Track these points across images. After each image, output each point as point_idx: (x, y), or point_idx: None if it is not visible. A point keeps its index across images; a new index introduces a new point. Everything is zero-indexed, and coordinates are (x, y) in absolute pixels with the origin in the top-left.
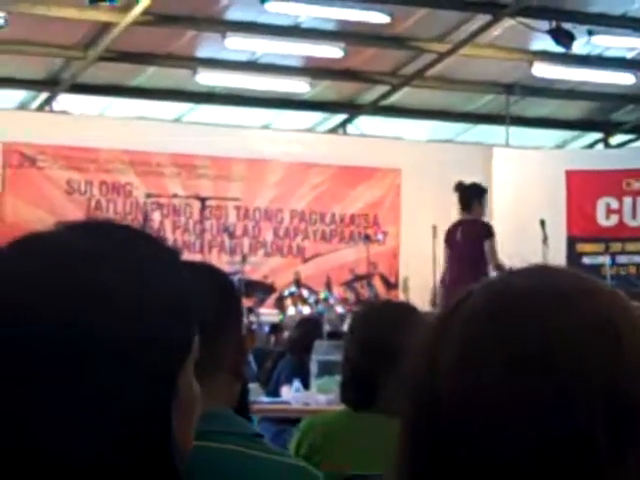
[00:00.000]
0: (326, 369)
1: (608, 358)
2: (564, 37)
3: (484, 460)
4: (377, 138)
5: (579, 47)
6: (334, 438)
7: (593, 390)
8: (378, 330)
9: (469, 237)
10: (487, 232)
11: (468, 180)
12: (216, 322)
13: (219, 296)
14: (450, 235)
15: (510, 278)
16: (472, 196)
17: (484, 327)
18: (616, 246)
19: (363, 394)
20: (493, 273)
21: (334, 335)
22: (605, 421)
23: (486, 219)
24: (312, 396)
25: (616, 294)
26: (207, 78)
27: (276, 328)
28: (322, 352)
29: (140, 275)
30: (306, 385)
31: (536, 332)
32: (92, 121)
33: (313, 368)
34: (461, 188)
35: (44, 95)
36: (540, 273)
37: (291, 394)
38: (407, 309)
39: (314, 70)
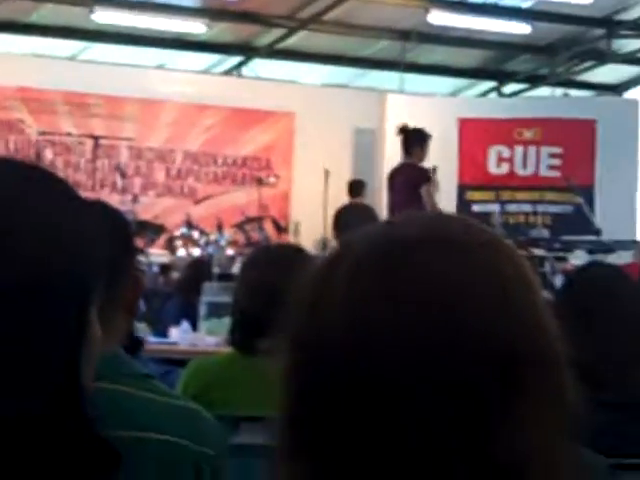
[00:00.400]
0: (215, 311)
1: (497, 310)
2: None
3: (368, 406)
4: (272, 81)
5: None
6: (221, 380)
7: (483, 341)
8: (265, 273)
9: (407, 181)
10: (424, 177)
11: (362, 125)
12: (114, 261)
13: (116, 234)
14: (390, 178)
15: (398, 226)
16: (414, 141)
17: (373, 276)
18: (506, 194)
19: (250, 337)
20: None
21: (224, 277)
22: (494, 372)
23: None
24: (200, 338)
25: (504, 244)
26: (103, 16)
27: (165, 269)
28: (211, 294)
29: (43, 217)
30: (194, 326)
31: (426, 281)
32: None
33: (202, 310)
34: (404, 132)
35: None
36: (429, 221)
37: (179, 335)
38: (296, 252)
39: (211, 11)
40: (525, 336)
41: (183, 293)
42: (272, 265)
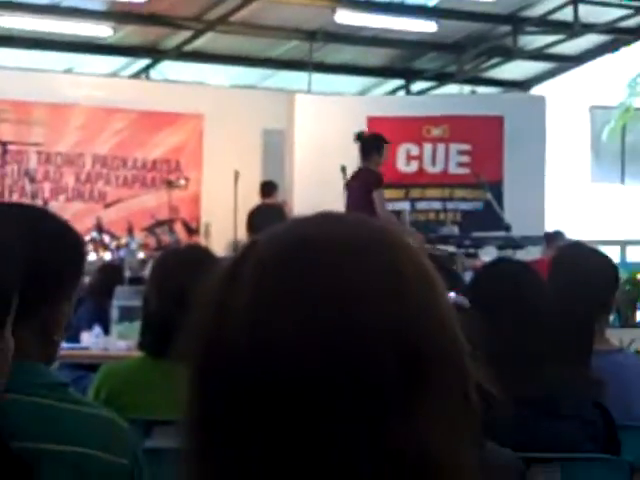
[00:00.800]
0: (127, 315)
1: (396, 309)
2: None
3: (271, 408)
4: (180, 83)
5: None
6: (132, 385)
7: (382, 341)
8: (174, 276)
9: (362, 185)
10: (376, 182)
11: (271, 126)
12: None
13: (37, 243)
14: (348, 182)
15: (298, 227)
16: (372, 146)
17: (276, 278)
18: (416, 192)
19: (160, 340)
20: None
21: (135, 280)
22: (395, 371)
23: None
24: (112, 342)
25: (405, 244)
26: (7, 21)
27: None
28: (123, 297)
29: None
30: (106, 331)
31: (329, 282)
32: None
33: (113, 314)
34: (361, 139)
35: None
36: (329, 221)
37: (91, 340)
38: (205, 254)
39: (118, 14)
40: (427, 335)
41: (95, 297)
42: (181, 267)
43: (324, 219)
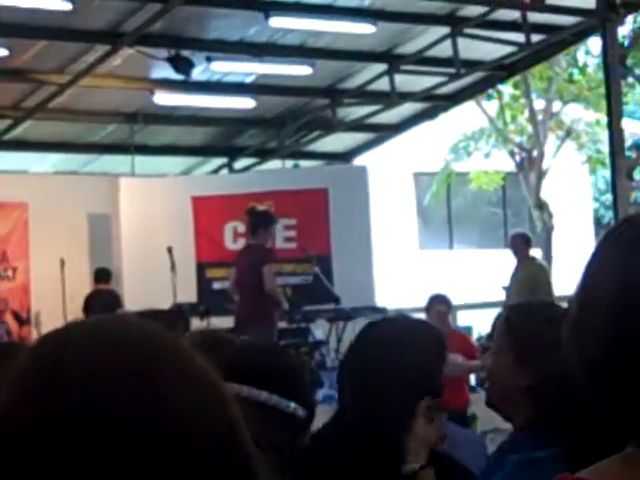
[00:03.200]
0: None
1: (146, 405)
2: (183, 64)
3: None
4: (1, 173)
5: (199, 74)
6: None
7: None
8: None
9: (250, 262)
10: (266, 258)
11: (96, 211)
12: None
13: None
14: (237, 259)
15: (60, 332)
16: (259, 223)
17: (27, 384)
18: None
19: None
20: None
21: None
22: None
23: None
24: None
25: (158, 341)
26: None
27: None
28: None
29: None
30: None
31: (82, 386)
32: None
33: None
34: (251, 213)
35: None
36: (92, 324)
37: None
38: (17, 348)
39: None
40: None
41: None
42: None
43: (84, 325)
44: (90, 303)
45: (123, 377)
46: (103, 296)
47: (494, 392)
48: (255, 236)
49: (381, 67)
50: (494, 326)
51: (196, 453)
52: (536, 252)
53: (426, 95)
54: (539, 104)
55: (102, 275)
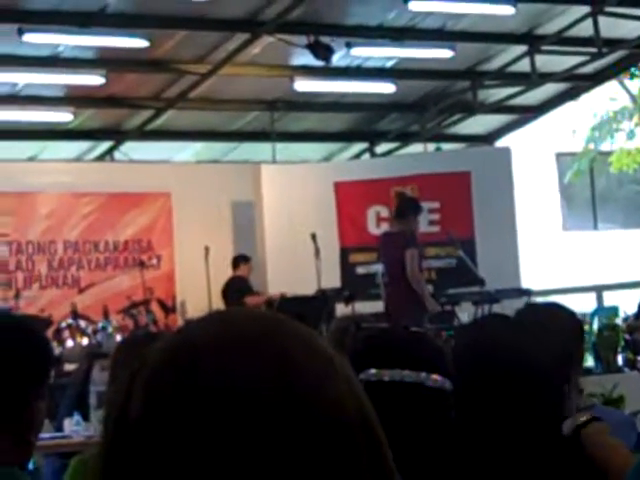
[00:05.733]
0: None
1: (282, 398)
2: (323, 51)
3: None
4: (145, 163)
5: (339, 59)
6: None
7: (271, 435)
8: (127, 365)
9: (397, 247)
10: (409, 242)
11: (239, 199)
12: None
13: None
14: (382, 244)
15: (189, 330)
16: (410, 208)
17: (166, 381)
18: None
19: None
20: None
21: None
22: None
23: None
24: (92, 428)
25: (295, 330)
26: None
27: (56, 361)
28: (100, 383)
29: None
30: (86, 417)
31: (216, 385)
32: None
33: (92, 400)
34: (402, 198)
35: None
36: (215, 323)
37: (71, 428)
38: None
39: (77, 99)
40: (316, 415)
41: (76, 384)
42: (132, 358)
43: (211, 321)
44: (224, 291)
45: (261, 380)
46: (234, 282)
47: None
48: (403, 221)
49: (521, 48)
50: None
51: (335, 441)
52: None
53: (567, 75)
54: None
55: (233, 262)
